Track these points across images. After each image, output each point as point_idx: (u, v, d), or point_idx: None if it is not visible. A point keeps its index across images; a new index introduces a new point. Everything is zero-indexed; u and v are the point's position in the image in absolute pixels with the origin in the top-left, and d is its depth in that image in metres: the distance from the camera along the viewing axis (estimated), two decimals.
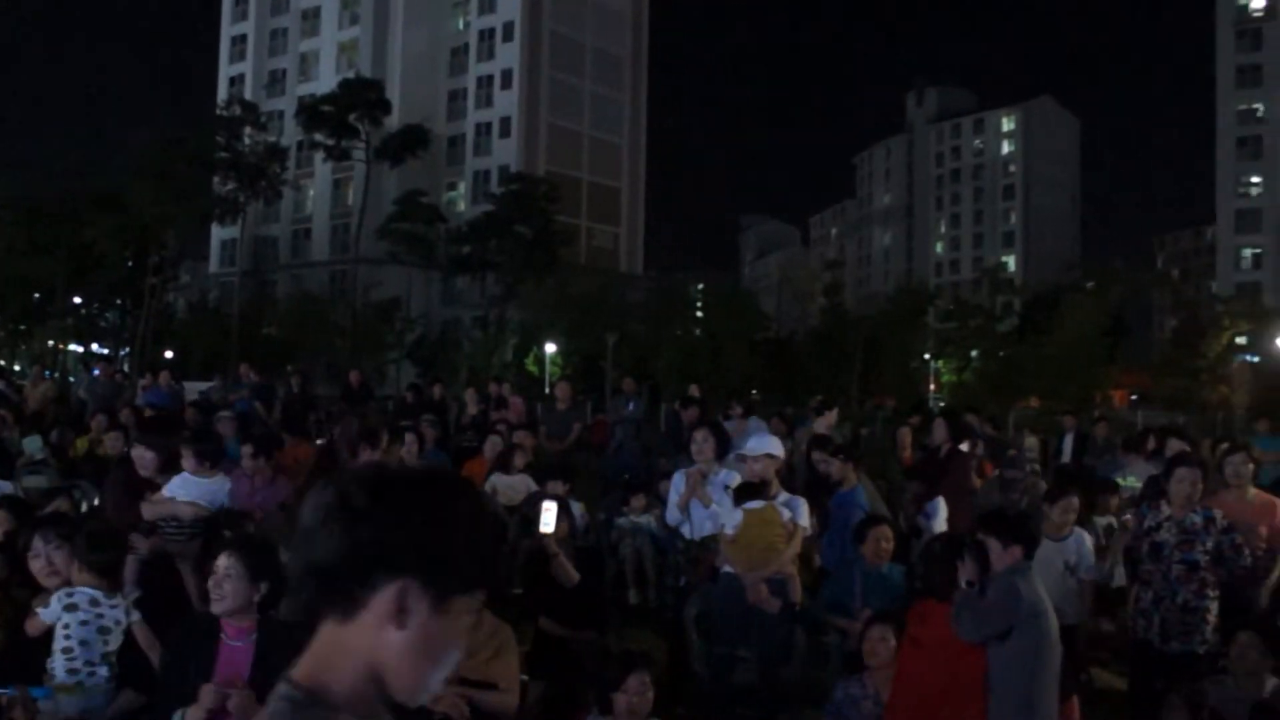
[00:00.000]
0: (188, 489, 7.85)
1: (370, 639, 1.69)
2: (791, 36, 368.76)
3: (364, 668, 1.70)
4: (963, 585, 5.59)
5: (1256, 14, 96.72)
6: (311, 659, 1.73)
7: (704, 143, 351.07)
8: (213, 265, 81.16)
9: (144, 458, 8.26)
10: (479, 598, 1.76)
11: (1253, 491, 8.38)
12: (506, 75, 74.68)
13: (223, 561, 4.74)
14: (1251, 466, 8.50)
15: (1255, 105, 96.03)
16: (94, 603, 5.18)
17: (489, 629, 5.44)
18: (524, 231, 59.18)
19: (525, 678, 6.62)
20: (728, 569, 7.68)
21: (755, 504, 7.68)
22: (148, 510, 7.52)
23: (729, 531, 7.73)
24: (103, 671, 5.13)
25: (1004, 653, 5.36)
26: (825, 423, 14.09)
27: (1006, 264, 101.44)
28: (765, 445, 8.12)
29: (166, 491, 7.84)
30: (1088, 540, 8.69)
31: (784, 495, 7.97)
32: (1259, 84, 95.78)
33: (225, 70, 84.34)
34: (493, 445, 12.36)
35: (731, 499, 7.93)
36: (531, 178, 63.32)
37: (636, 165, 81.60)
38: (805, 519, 7.98)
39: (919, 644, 5.60)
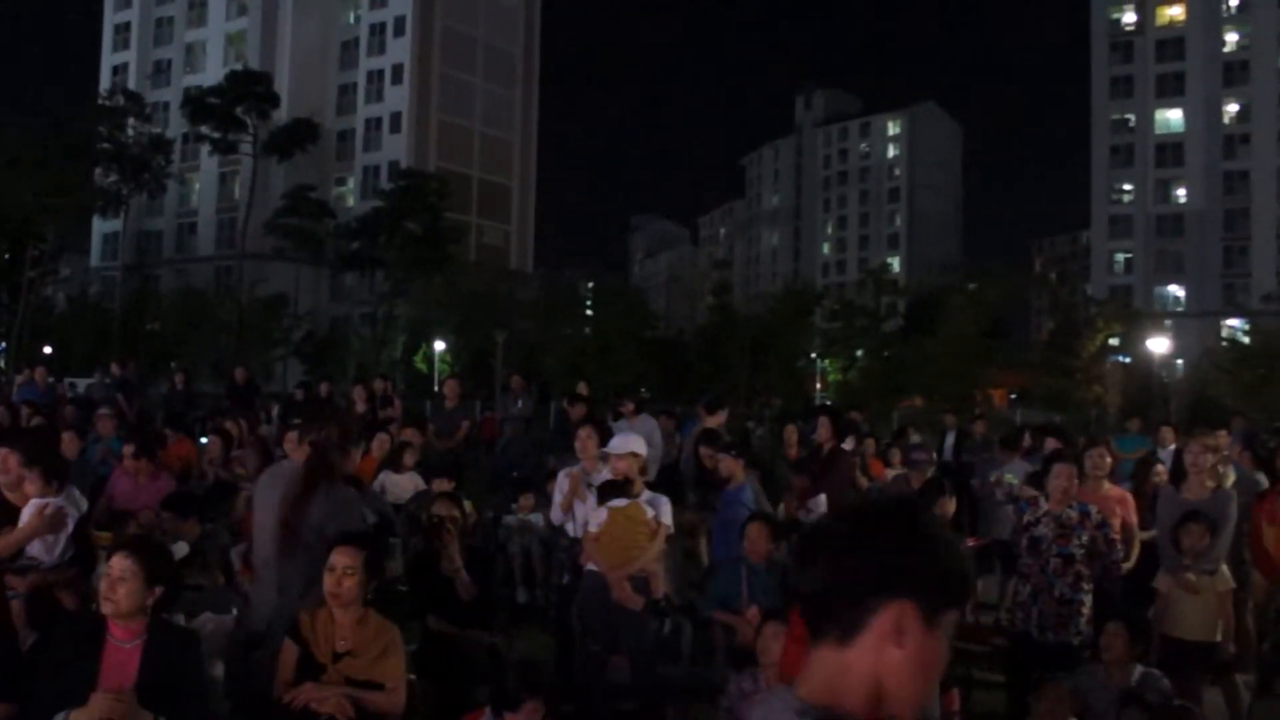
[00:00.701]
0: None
1: (871, 659, 1.84)
2: (682, 37, 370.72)
3: (870, 686, 1.85)
4: None
5: (1128, 28, 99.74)
6: (816, 680, 1.89)
7: (595, 142, 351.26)
8: (94, 259, 79.11)
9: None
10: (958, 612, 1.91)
11: (1107, 485, 8.77)
12: (397, 70, 74.10)
13: (118, 563, 4.66)
14: (1109, 461, 8.94)
15: (1127, 115, 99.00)
16: None
17: (375, 628, 5.43)
18: (414, 228, 58.77)
19: (413, 677, 6.55)
20: (592, 567, 7.71)
21: (619, 502, 7.71)
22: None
23: (593, 529, 7.76)
24: None
25: None
26: (716, 420, 14.29)
27: (891, 265, 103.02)
28: (629, 444, 8.11)
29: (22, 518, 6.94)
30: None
31: (648, 494, 7.99)
32: (1130, 95, 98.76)
33: (108, 59, 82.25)
34: (380, 443, 12.24)
35: (595, 497, 7.99)
36: (422, 174, 62.92)
37: (527, 163, 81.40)
38: (669, 517, 8.00)
39: (804, 641, 5.57)
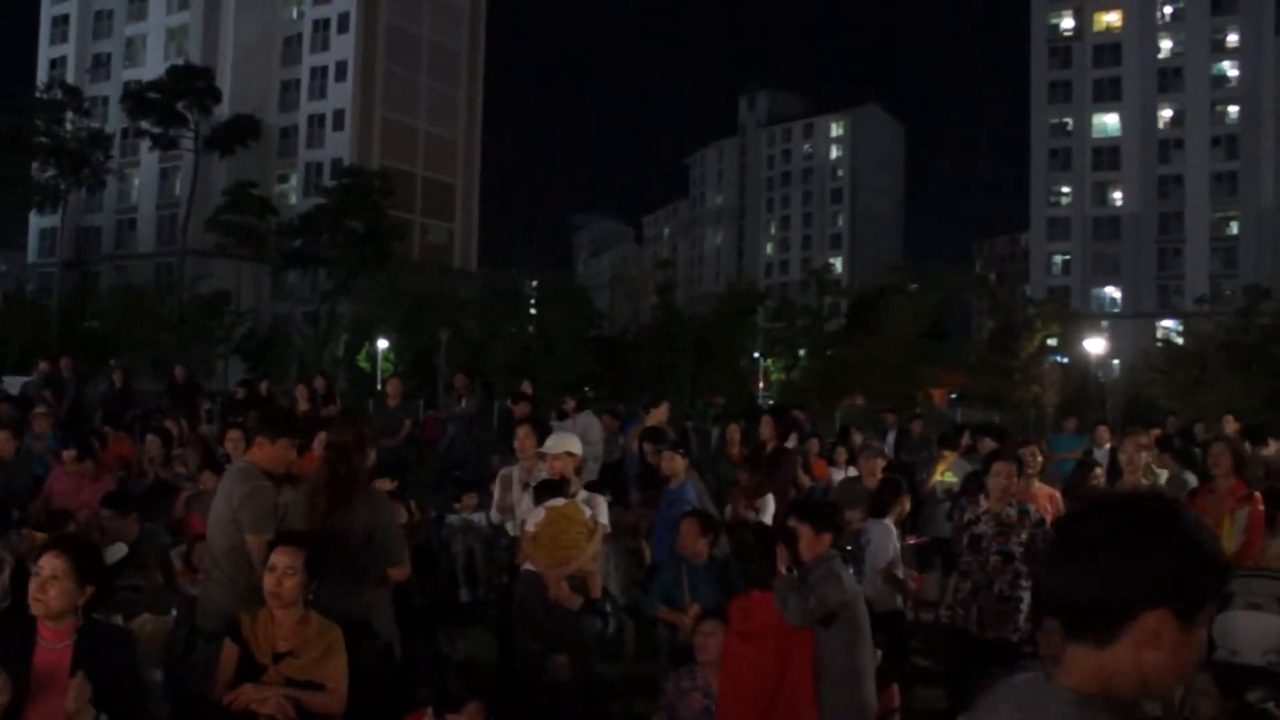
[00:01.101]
0: None
1: (1131, 659, 1.92)
2: (627, 36, 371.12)
3: (1133, 680, 1.93)
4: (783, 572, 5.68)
5: (1067, 33, 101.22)
6: (1080, 673, 1.99)
7: (539, 140, 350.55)
8: (31, 255, 77.86)
9: None
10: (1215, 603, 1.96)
11: (1037, 484, 8.94)
12: (341, 67, 73.64)
13: (48, 562, 4.59)
14: (1040, 459, 9.08)
15: (1065, 119, 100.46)
16: None
17: (317, 629, 5.41)
18: (357, 226, 58.44)
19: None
20: (529, 566, 7.70)
21: (556, 501, 7.71)
22: None
23: (530, 529, 7.74)
24: None
25: (828, 638, 5.51)
26: (658, 416, 14.33)
27: (833, 265, 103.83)
28: (564, 443, 8.14)
29: None
30: (894, 532, 9.10)
31: (585, 493, 8.02)
32: (1069, 99, 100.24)
33: (45, 52, 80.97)
34: (321, 442, 12.22)
35: (531, 497, 7.98)
36: (365, 171, 62.55)
37: (471, 161, 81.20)
38: (605, 516, 8.03)
39: (747, 636, 5.61)
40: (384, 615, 6.27)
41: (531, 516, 7.80)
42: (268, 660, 5.29)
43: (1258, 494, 8.49)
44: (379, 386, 36.07)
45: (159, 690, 6.16)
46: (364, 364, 57.43)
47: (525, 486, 8.34)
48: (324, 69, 74.31)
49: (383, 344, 56.24)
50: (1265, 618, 6.94)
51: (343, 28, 73.74)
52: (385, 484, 9.02)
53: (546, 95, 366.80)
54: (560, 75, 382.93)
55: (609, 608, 8.19)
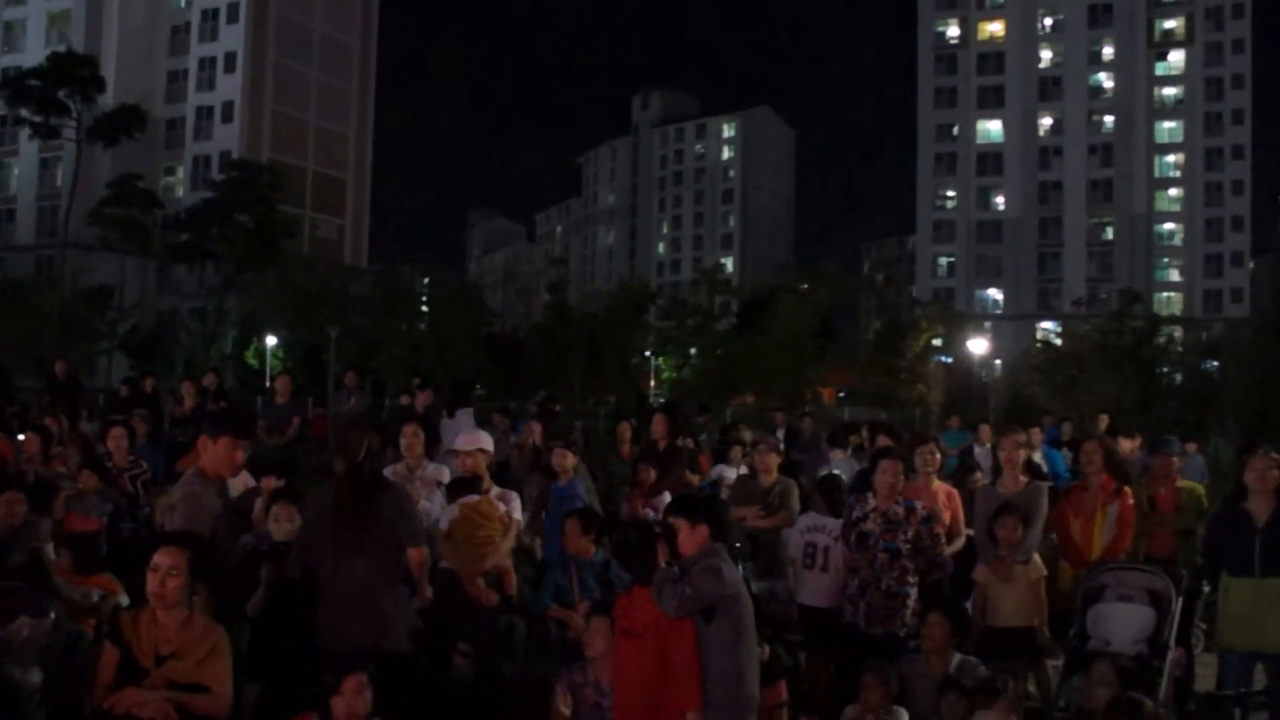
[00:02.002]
0: None
1: None
2: (522, 33, 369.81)
3: None
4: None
5: (952, 41, 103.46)
6: None
7: (432, 137, 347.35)
8: None
9: None
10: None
11: (936, 482, 9.08)
12: (230, 58, 72.16)
13: None
14: (938, 457, 9.28)
15: (951, 124, 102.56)
16: None
17: (200, 630, 5.31)
18: (245, 220, 57.48)
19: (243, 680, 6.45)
20: (445, 564, 7.68)
21: (470, 498, 7.73)
22: None
23: (443, 526, 7.74)
24: None
25: (709, 632, 5.48)
26: (548, 415, 14.38)
27: (725, 265, 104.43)
28: (477, 440, 8.14)
29: None
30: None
31: (498, 489, 8.03)
32: (954, 105, 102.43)
33: None
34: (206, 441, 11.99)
35: (444, 494, 8.00)
36: (254, 165, 61.55)
37: (363, 156, 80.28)
38: (520, 512, 8.09)
39: (631, 633, 5.61)
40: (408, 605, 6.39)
41: (445, 514, 7.81)
42: (150, 663, 5.18)
43: (1127, 489, 8.78)
44: (267, 383, 35.43)
45: (36, 695, 6.02)
46: (252, 361, 56.49)
47: (416, 484, 8.30)
48: (213, 60, 72.73)
49: (271, 340, 55.36)
50: (1135, 609, 7.15)
51: (232, 18, 72.31)
52: (272, 482, 8.92)
53: (440, 91, 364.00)
54: (454, 71, 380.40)
55: (518, 604, 8.24)
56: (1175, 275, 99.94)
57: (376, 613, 6.06)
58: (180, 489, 5.98)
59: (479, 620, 7.58)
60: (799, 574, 8.61)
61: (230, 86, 71.97)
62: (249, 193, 57.92)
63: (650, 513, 9.38)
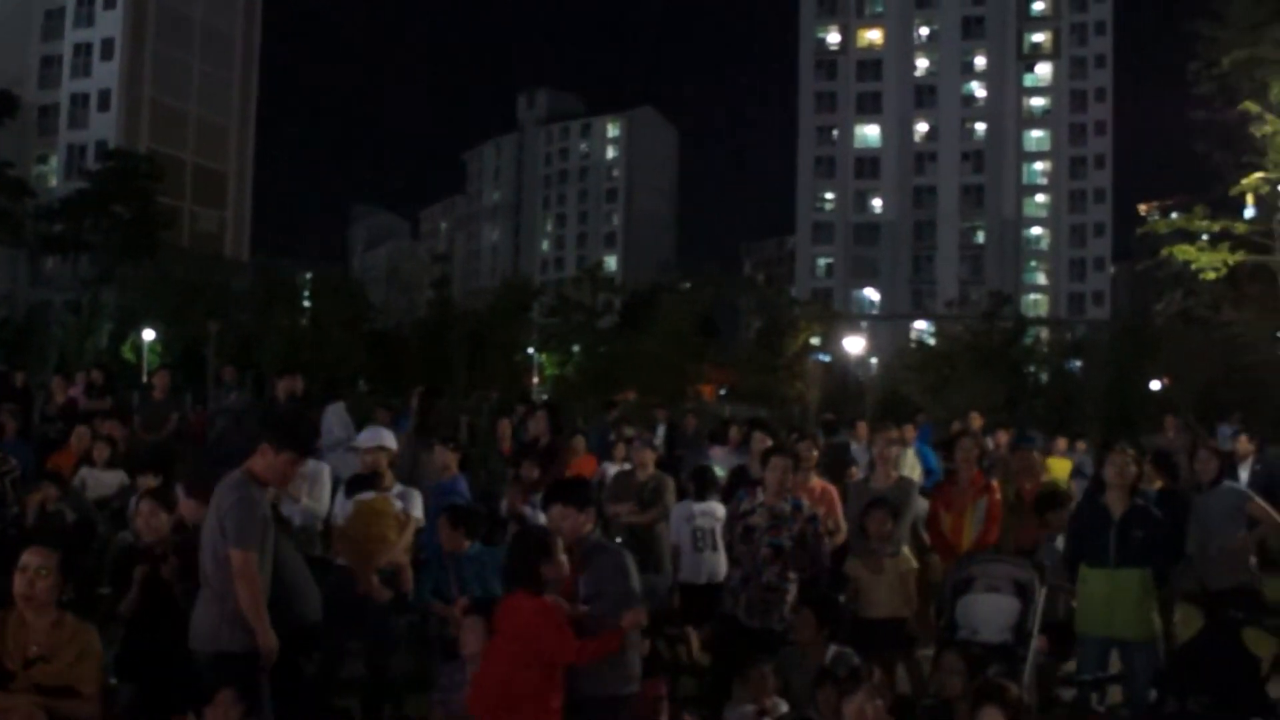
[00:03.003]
0: None
1: None
2: (409, 28, 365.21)
3: None
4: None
5: (832, 47, 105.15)
6: None
7: (316, 130, 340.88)
8: None
9: None
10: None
11: (814, 479, 9.39)
12: (107, 45, 69.98)
13: None
14: (816, 454, 9.58)
15: (830, 128, 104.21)
16: None
17: (70, 631, 5.23)
18: (122, 211, 56.05)
19: (114, 681, 6.43)
20: (341, 561, 7.71)
21: (366, 495, 7.75)
22: None
23: (339, 523, 7.76)
24: None
25: (593, 612, 5.67)
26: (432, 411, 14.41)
27: (608, 263, 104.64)
28: (377, 437, 8.15)
29: None
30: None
31: (398, 487, 8.06)
32: (833, 109, 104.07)
33: None
34: (79, 437, 11.75)
35: (344, 491, 8.00)
36: (132, 155, 59.99)
37: (245, 148, 78.54)
38: (419, 510, 8.11)
39: (504, 635, 5.61)
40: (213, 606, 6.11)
41: (341, 510, 7.84)
42: (17, 667, 5.09)
43: (994, 484, 9.20)
44: (145, 379, 34.66)
45: None
46: (129, 355, 55.12)
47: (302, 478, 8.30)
48: (89, 46, 70.42)
49: (149, 335, 54.05)
50: (1002, 599, 7.45)
51: (110, 3, 70.08)
52: (149, 480, 8.80)
53: (325, 84, 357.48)
54: (339, 64, 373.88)
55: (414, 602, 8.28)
56: (1042, 278, 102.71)
57: (197, 613, 5.88)
58: (232, 492, 5.80)
59: (372, 618, 7.58)
60: (688, 558, 9.15)
61: (107, 74, 69.85)
62: (126, 183, 56.47)
63: (529, 509, 9.42)
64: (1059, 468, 12.22)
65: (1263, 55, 15.34)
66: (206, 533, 5.85)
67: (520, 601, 5.55)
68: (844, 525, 9.21)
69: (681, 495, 9.92)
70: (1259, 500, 8.80)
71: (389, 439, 8.24)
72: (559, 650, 5.47)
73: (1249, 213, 20.21)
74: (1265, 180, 17.42)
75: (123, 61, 69.79)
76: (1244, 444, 12.68)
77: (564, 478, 8.27)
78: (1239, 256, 17.51)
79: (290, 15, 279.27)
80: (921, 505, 9.57)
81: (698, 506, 9.31)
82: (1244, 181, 17.26)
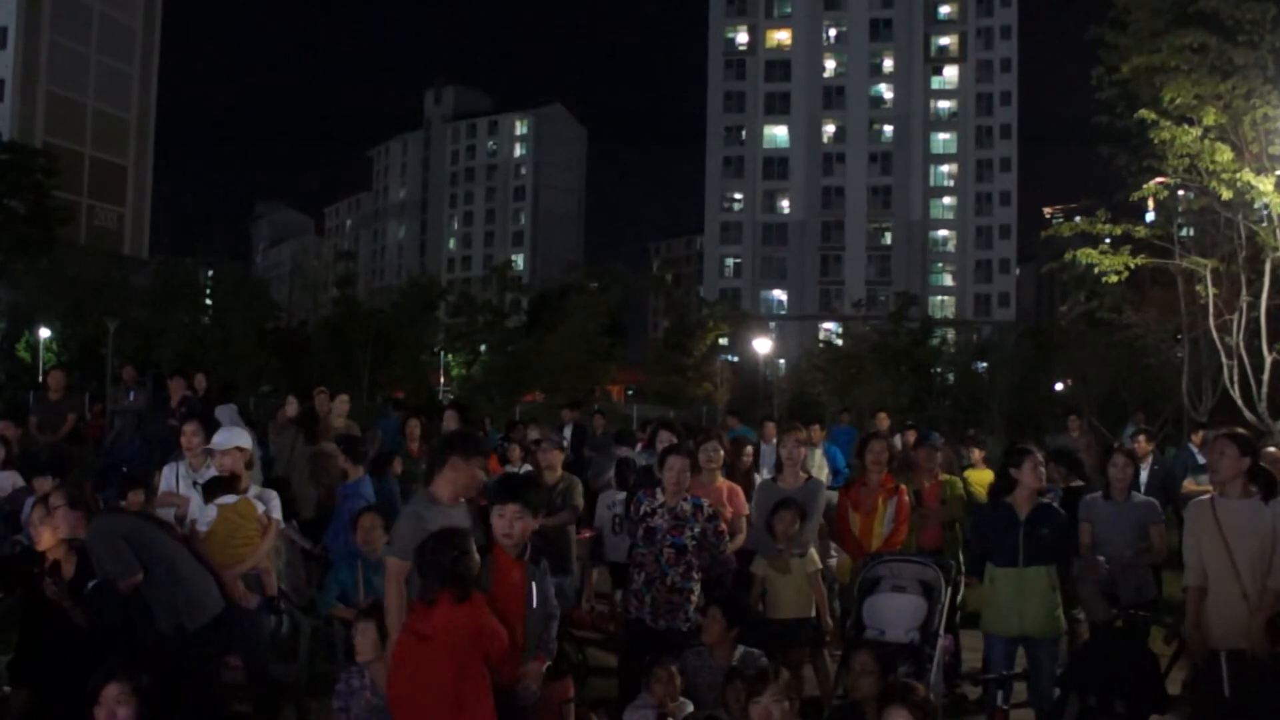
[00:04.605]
0: None
1: None
2: (314, 22, 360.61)
3: None
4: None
5: (741, 48, 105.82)
6: None
7: (218, 125, 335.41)
8: None
9: None
10: None
11: (720, 479, 9.32)
12: (1, 34, 68.28)
13: None
14: (722, 454, 9.54)
15: (739, 128, 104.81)
16: None
17: None
18: (16, 206, 54.64)
19: (7, 688, 6.48)
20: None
21: (228, 499, 7.62)
22: None
23: (202, 528, 7.59)
24: None
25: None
26: (337, 412, 14.27)
27: (515, 262, 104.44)
28: (234, 438, 8.03)
29: None
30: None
31: (255, 489, 7.97)
32: (742, 109, 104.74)
33: None
34: None
35: (200, 494, 7.84)
36: (26, 148, 58.36)
37: (145, 143, 76.95)
38: (279, 512, 8.03)
39: (423, 636, 5.44)
40: None
41: (203, 515, 7.66)
42: None
43: (903, 486, 9.27)
44: (40, 378, 33.84)
45: None
46: (24, 354, 53.74)
47: (195, 484, 8.15)
48: None
49: (45, 333, 52.73)
50: (908, 598, 7.51)
51: None
52: (45, 483, 8.62)
53: (227, 78, 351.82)
54: (242, 57, 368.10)
55: (284, 605, 8.15)
56: (949, 280, 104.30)
57: None
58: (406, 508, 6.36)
59: (244, 623, 7.44)
60: (609, 540, 10.46)
61: (1, 64, 68.10)
62: (20, 177, 54.96)
63: None
64: (980, 479, 11.87)
65: (1162, 62, 15.61)
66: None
67: (440, 600, 5.43)
68: (744, 527, 9.12)
69: (590, 495, 10.00)
70: (1163, 526, 8.92)
71: (245, 439, 8.13)
72: (496, 648, 5.45)
73: (1149, 217, 20.65)
74: (1164, 185, 17.75)
75: (17, 51, 67.95)
76: (1143, 445, 12.94)
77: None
78: (1140, 260, 17.78)
79: (192, 7, 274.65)
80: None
81: (619, 495, 10.32)
82: (1145, 186, 17.54)
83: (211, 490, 7.66)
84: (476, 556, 5.54)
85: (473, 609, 5.43)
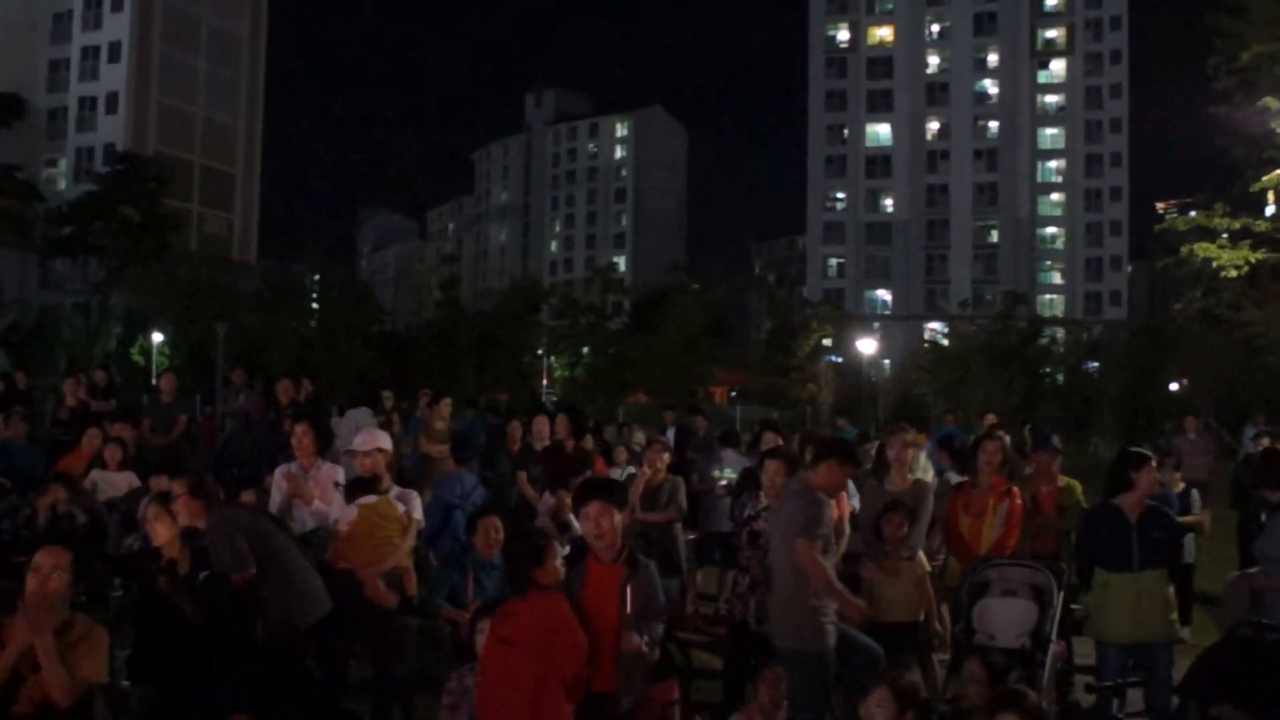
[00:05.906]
0: None
1: None
2: (416, 28, 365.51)
3: None
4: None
5: (843, 45, 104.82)
6: None
7: (324, 131, 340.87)
8: None
9: None
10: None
11: None
12: (115, 47, 70.14)
13: None
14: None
15: (841, 127, 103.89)
16: None
17: (80, 631, 5.18)
18: (131, 214, 56.19)
19: (126, 683, 6.53)
20: (344, 565, 7.61)
21: (369, 499, 7.67)
22: None
23: (342, 527, 7.68)
24: None
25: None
26: (439, 415, 14.38)
27: (617, 264, 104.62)
28: (375, 439, 8.09)
29: None
30: None
31: (397, 489, 7.98)
32: (844, 108, 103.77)
33: None
34: (90, 439, 11.61)
35: (343, 494, 7.93)
36: (140, 158, 60.13)
37: (252, 150, 78.59)
38: (420, 512, 8.05)
39: (508, 641, 5.47)
40: None
41: (344, 515, 7.73)
42: (28, 669, 5.03)
43: (1016, 489, 9.01)
44: (153, 381, 34.62)
45: None
46: (138, 358, 55.19)
47: (336, 485, 8.26)
48: (96, 49, 70.60)
49: (158, 337, 54.15)
50: (1019, 603, 7.33)
51: (116, 6, 70.26)
52: (161, 482, 8.74)
53: (332, 85, 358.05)
54: (345, 64, 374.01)
55: (418, 605, 8.20)
56: (1057, 278, 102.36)
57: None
58: (799, 497, 6.87)
59: (377, 622, 7.52)
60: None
61: (115, 77, 69.98)
62: (134, 186, 56.64)
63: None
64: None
65: None
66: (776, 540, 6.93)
67: (519, 605, 5.47)
68: (848, 530, 8.99)
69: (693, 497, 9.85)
70: None
71: (385, 441, 8.22)
72: (567, 649, 5.43)
73: (1270, 210, 20.01)
74: None
75: (130, 64, 69.93)
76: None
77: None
78: (1261, 254, 17.21)
79: (297, 15, 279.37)
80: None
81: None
82: (1264, 178, 17.01)
83: (353, 490, 7.76)
84: (558, 567, 5.59)
85: (544, 610, 5.43)
